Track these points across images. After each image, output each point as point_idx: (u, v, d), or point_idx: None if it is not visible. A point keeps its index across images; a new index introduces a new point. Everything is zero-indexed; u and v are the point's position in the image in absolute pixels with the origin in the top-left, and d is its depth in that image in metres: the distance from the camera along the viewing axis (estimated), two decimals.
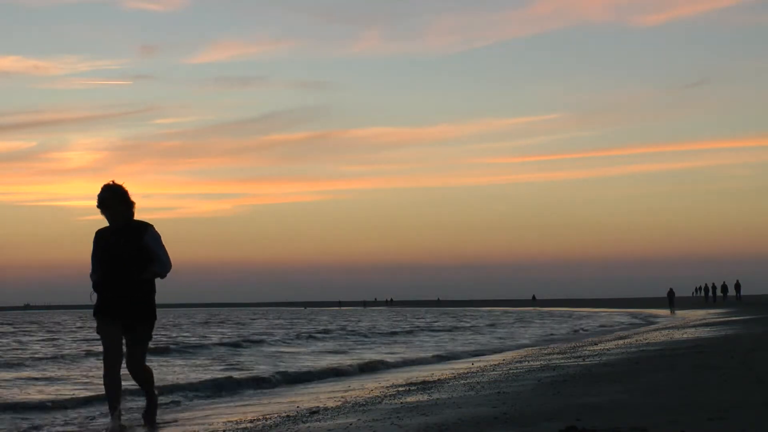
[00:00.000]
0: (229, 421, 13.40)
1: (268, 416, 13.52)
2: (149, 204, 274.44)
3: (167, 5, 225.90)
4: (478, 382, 16.06)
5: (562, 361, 20.45)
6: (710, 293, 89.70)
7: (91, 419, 14.64)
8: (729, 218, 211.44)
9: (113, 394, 11.38)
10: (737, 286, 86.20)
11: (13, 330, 66.24)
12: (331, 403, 14.69)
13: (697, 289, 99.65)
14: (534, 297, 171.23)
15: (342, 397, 16.02)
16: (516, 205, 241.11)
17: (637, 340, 28.04)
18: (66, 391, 19.25)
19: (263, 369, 24.96)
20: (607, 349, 23.93)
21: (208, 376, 21.97)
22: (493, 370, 19.84)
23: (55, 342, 44.47)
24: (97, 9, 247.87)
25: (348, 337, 47.09)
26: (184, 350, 34.84)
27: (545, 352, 27.28)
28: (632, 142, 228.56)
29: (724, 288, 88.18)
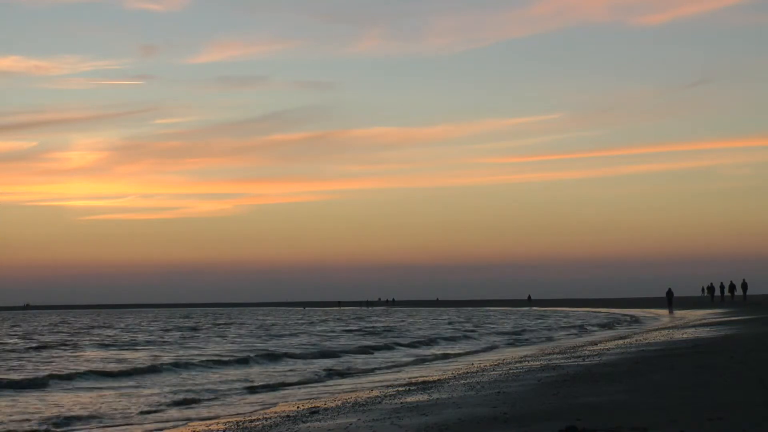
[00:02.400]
0: (228, 422, 13.40)
1: (267, 416, 13.50)
2: (150, 204, 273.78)
3: (168, 5, 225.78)
4: (478, 382, 16.05)
5: (562, 361, 20.44)
6: (716, 293, 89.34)
7: None
8: (730, 218, 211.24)
9: None
10: (744, 286, 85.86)
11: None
12: (331, 404, 14.68)
13: (703, 289, 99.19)
14: (529, 297, 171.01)
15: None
16: (516, 205, 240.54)
17: (637, 340, 28.02)
18: None
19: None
20: (607, 349, 23.91)
21: None
22: (493, 369, 19.82)
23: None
24: (98, 9, 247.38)
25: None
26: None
27: (546, 352, 27.27)
28: (632, 142, 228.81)
29: (732, 287, 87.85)
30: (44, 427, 14.33)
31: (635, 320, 59.11)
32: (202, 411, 15.74)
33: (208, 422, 13.73)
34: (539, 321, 65.73)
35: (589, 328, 50.40)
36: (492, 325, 58.70)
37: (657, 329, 39.11)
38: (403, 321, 73.61)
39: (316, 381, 22.03)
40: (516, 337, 42.48)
